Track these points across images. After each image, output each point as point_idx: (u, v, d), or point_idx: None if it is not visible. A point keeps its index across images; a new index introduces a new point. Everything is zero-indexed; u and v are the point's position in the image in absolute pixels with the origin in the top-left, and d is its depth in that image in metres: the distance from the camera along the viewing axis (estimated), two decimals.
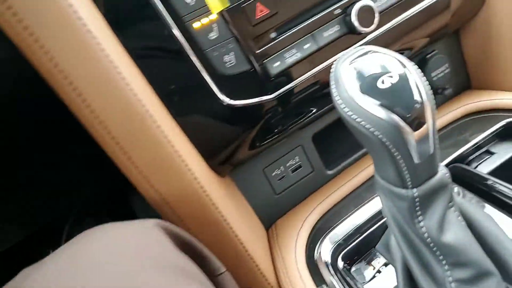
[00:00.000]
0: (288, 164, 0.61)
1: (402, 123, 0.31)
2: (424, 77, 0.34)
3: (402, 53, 0.55)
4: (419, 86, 0.32)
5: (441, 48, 0.66)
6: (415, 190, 0.35)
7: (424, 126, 0.32)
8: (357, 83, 0.33)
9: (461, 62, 0.69)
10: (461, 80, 0.70)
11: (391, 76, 0.32)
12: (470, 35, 0.66)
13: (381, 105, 0.31)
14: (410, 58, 0.57)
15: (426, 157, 0.32)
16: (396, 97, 0.31)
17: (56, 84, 0.39)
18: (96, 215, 0.94)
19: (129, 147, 0.42)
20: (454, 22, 0.59)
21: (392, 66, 0.33)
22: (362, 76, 0.33)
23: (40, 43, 0.37)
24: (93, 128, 0.41)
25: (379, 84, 0.32)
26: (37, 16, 0.36)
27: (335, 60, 0.49)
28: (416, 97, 0.31)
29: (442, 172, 0.34)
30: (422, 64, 0.64)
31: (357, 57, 0.34)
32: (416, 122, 0.32)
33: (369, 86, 0.32)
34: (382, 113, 0.31)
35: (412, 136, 0.32)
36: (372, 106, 0.32)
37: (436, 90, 0.65)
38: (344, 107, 0.33)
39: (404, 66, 0.33)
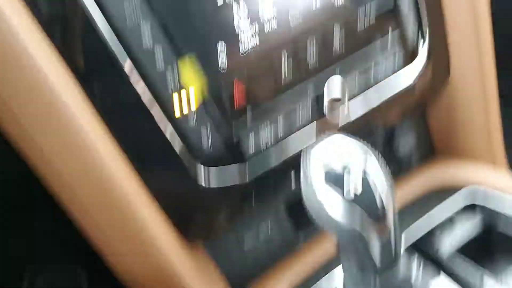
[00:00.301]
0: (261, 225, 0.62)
1: (362, 229, 0.33)
2: (387, 170, 0.36)
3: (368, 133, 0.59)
4: (381, 188, 0.34)
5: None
6: None
7: (386, 230, 0.34)
8: (319, 178, 0.34)
9: (426, 129, 0.74)
10: (425, 148, 0.74)
11: (354, 177, 0.34)
12: (435, 106, 0.70)
13: (342, 208, 0.33)
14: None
15: (388, 261, 0.34)
16: (358, 201, 0.33)
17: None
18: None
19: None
20: (418, 104, 0.64)
21: (355, 163, 0.34)
22: (324, 170, 0.34)
23: None
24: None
25: (340, 184, 0.34)
26: None
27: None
28: (378, 202, 0.33)
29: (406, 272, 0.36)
30: (386, 132, 0.68)
31: (321, 147, 0.35)
32: (378, 226, 0.34)
33: (331, 181, 0.33)
34: (341, 217, 0.33)
35: (374, 241, 0.34)
36: (333, 208, 0.33)
37: (400, 158, 0.69)
38: (307, 202, 0.34)
39: (368, 162, 0.35)
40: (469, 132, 0.68)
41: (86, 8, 0.41)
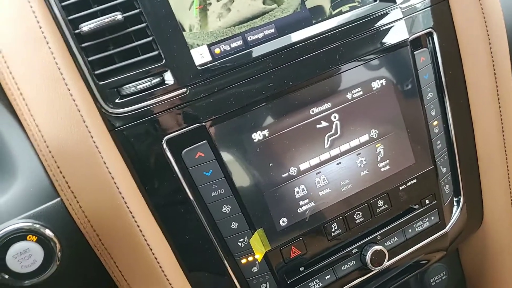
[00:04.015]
0: None
1: None
2: None
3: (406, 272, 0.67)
4: None
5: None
6: None
7: None
8: None
9: (459, 270, 0.80)
10: (458, 283, 0.80)
11: None
12: (468, 248, 0.77)
13: None
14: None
15: None
16: None
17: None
18: None
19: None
20: (452, 244, 0.71)
21: None
22: None
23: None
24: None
25: None
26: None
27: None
28: None
29: None
30: (422, 271, 0.74)
31: None
32: None
33: None
34: None
35: None
36: None
37: None
38: None
39: None
40: (500, 274, 0.74)
41: (180, 178, 0.53)
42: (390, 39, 0.59)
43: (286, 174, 0.56)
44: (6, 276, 0.48)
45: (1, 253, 0.47)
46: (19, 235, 0.48)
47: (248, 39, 0.55)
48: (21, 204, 0.49)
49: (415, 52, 0.62)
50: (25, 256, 0.49)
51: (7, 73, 0.48)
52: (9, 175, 0.50)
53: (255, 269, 0.57)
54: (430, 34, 0.63)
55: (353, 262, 0.61)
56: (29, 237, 0.49)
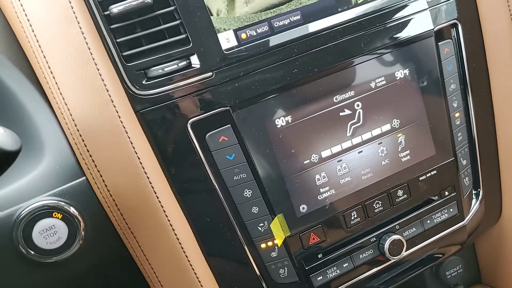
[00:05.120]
0: None
1: None
2: None
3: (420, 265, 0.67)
4: None
5: None
6: None
7: None
8: None
9: (474, 261, 0.80)
10: (473, 276, 0.80)
11: None
12: (484, 242, 0.77)
13: None
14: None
15: None
16: None
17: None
18: None
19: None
20: (469, 236, 0.70)
21: None
22: None
23: None
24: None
25: None
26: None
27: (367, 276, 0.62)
28: None
29: None
30: (438, 264, 0.74)
31: None
32: None
33: None
34: None
35: None
36: None
37: (448, 286, 0.76)
38: None
39: None
40: None
41: (203, 161, 0.53)
42: (415, 29, 0.59)
43: (308, 161, 0.57)
44: (32, 252, 0.49)
45: (28, 229, 0.48)
46: (45, 212, 0.49)
47: (274, 25, 0.55)
48: (47, 182, 0.50)
49: (439, 43, 0.61)
50: (51, 233, 0.49)
51: (38, 52, 0.48)
52: (37, 153, 0.51)
53: (274, 254, 0.57)
54: (454, 25, 0.63)
55: (371, 251, 0.61)
56: (55, 214, 0.50)
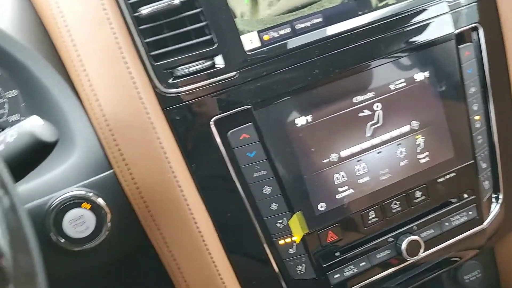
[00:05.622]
0: None
1: None
2: None
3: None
4: None
5: None
6: None
7: None
8: None
9: (494, 269, 0.79)
10: (492, 281, 0.79)
11: None
12: (504, 247, 0.76)
13: None
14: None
15: None
16: None
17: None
18: None
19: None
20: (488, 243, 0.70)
21: None
22: None
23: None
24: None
25: None
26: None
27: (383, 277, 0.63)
28: None
29: None
30: (456, 267, 0.74)
31: None
32: None
33: None
34: None
35: None
36: None
37: None
38: None
39: None
40: None
41: (224, 158, 0.55)
42: (435, 32, 0.60)
43: (327, 160, 0.58)
44: (62, 240, 0.51)
45: (59, 218, 0.51)
46: (75, 202, 0.51)
47: (296, 27, 0.57)
48: (77, 174, 0.52)
49: (459, 47, 0.62)
50: (79, 222, 0.52)
51: (72, 51, 0.51)
52: (68, 147, 0.54)
53: (292, 250, 0.59)
54: (475, 29, 0.63)
55: (388, 251, 0.61)
56: (84, 205, 0.52)
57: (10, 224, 0.27)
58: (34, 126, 0.40)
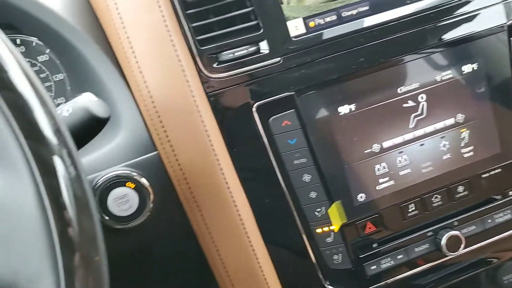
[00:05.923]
0: None
1: None
2: None
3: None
4: None
5: None
6: None
7: None
8: None
9: None
10: None
11: None
12: None
13: None
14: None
15: None
16: None
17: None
18: None
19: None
20: None
21: None
22: None
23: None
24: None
25: None
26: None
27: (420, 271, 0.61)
28: None
29: None
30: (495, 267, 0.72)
31: None
32: None
33: None
34: None
35: None
36: None
37: None
38: None
39: None
40: None
41: (265, 144, 0.55)
42: (486, 23, 0.58)
43: (369, 150, 0.57)
44: (107, 218, 0.53)
45: (104, 196, 0.52)
46: (120, 181, 0.52)
47: (342, 14, 0.56)
48: (123, 153, 0.53)
49: (511, 38, 0.60)
50: (123, 201, 0.53)
51: (122, 33, 0.52)
52: (114, 127, 0.55)
53: (329, 239, 0.58)
54: None
55: (427, 245, 0.60)
56: (128, 184, 0.54)
57: (77, 193, 0.28)
58: (89, 101, 0.42)
